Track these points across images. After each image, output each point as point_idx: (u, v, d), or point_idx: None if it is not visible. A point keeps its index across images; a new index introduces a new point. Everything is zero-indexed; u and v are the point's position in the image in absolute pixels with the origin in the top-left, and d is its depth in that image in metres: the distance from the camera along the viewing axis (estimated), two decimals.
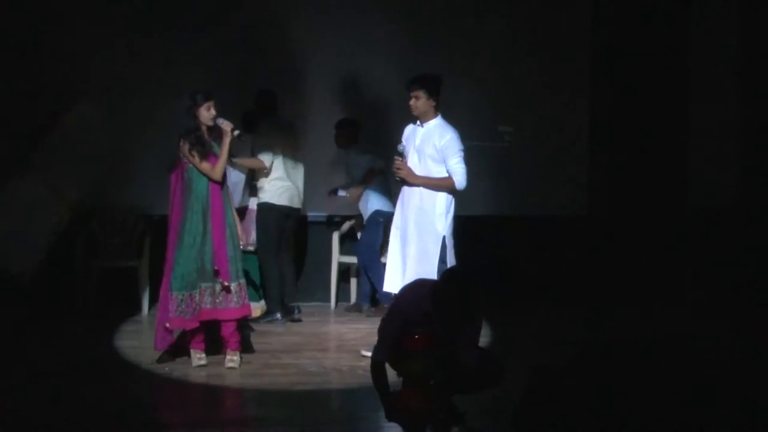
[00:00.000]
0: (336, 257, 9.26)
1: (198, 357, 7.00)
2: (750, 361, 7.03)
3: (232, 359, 7.00)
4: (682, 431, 4.69)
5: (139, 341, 7.79)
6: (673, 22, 9.56)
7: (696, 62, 9.52)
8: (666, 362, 4.92)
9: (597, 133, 9.85)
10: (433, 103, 7.04)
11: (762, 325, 8.23)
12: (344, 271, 9.48)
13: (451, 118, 7.29)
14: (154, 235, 8.79)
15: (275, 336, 7.83)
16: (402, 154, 7.06)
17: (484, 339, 6.00)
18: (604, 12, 9.82)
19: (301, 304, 8.84)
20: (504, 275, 9.07)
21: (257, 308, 8.57)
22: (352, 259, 9.24)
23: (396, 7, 9.49)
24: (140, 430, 5.79)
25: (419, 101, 7.01)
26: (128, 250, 9.03)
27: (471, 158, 9.29)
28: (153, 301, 8.74)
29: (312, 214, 9.36)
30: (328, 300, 9.34)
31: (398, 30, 9.45)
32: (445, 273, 5.79)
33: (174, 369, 6.95)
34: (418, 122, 7.11)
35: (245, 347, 7.29)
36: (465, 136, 8.23)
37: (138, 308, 8.81)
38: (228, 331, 6.99)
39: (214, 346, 7.10)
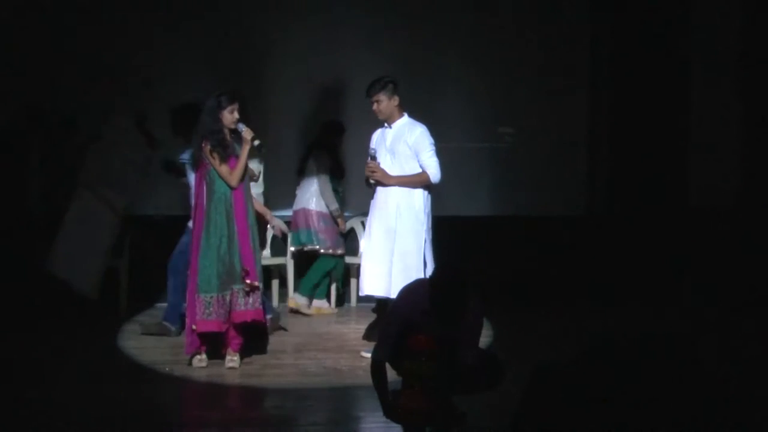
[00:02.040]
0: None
1: (199, 358, 7.00)
2: (750, 360, 7.04)
3: (233, 359, 7.00)
4: (682, 431, 4.70)
5: (139, 341, 7.79)
6: (674, 22, 9.56)
7: (696, 62, 9.53)
8: (666, 362, 4.91)
9: (597, 133, 9.85)
10: (396, 103, 7.17)
11: (762, 325, 8.23)
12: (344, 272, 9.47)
13: (451, 119, 7.32)
14: (134, 235, 8.78)
15: (276, 336, 7.83)
16: (374, 157, 7.18)
17: (484, 339, 6.00)
18: (604, 12, 9.82)
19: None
20: (504, 275, 9.07)
21: (323, 307, 8.96)
22: (355, 260, 9.22)
23: (395, 7, 9.49)
24: (141, 430, 5.79)
25: (381, 104, 7.16)
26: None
27: (471, 159, 9.40)
28: (133, 301, 8.78)
29: None
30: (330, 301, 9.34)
31: (397, 31, 9.45)
32: (436, 269, 5.85)
33: (174, 370, 6.96)
34: (386, 124, 7.24)
35: (261, 348, 7.32)
36: (465, 138, 8.30)
37: (118, 309, 8.75)
38: (233, 332, 7.00)
39: (215, 347, 7.10)
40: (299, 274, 9.23)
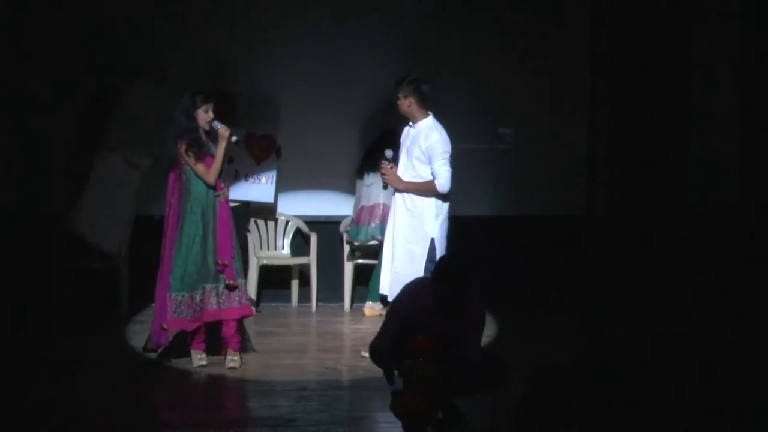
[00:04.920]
0: (348, 258, 9.24)
1: (198, 357, 7.01)
2: (750, 361, 7.04)
3: (233, 359, 7.01)
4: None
5: (140, 341, 7.79)
6: (674, 22, 9.56)
7: (696, 62, 9.52)
8: (666, 362, 4.92)
9: (596, 133, 9.85)
10: (409, 104, 7.13)
11: (762, 326, 8.23)
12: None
13: (451, 120, 7.31)
14: (135, 235, 8.80)
15: (276, 336, 7.85)
16: (388, 159, 7.16)
17: (485, 339, 6.02)
18: (604, 12, 9.81)
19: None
20: (503, 275, 9.08)
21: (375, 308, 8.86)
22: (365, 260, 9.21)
23: (394, 9, 9.49)
24: (141, 430, 5.80)
25: (398, 101, 7.16)
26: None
27: (472, 160, 9.39)
28: (133, 301, 8.79)
29: (317, 215, 9.42)
30: (332, 300, 9.35)
31: (396, 32, 9.45)
32: (439, 259, 5.91)
33: (175, 370, 6.96)
34: (410, 123, 7.21)
35: (243, 347, 7.28)
36: (465, 139, 8.25)
37: (119, 309, 8.76)
38: (229, 331, 7.00)
39: (215, 347, 7.10)
40: (322, 274, 9.26)
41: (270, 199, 8.96)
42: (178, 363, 7.07)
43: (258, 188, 8.89)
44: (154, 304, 7.14)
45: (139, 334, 8.06)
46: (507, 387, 5.50)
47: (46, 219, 8.72)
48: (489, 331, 7.69)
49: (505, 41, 9.64)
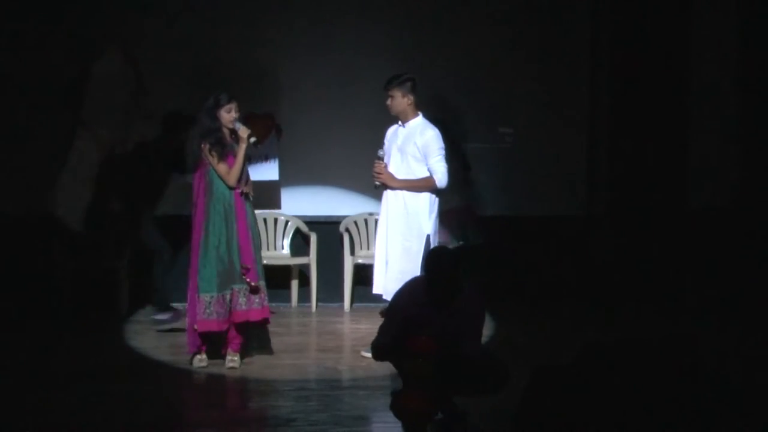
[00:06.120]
0: (349, 257, 9.24)
1: (199, 358, 7.01)
2: (750, 361, 7.04)
3: (233, 359, 7.01)
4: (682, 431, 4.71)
5: (140, 342, 7.80)
6: (673, 21, 9.56)
7: (696, 61, 9.53)
8: (666, 362, 4.92)
9: (596, 133, 9.84)
10: (408, 102, 7.19)
11: (762, 325, 8.24)
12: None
13: (451, 120, 7.32)
14: (135, 235, 8.78)
15: (276, 336, 7.84)
16: (381, 158, 7.21)
17: (484, 339, 6.01)
18: (604, 11, 9.81)
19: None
20: (503, 275, 9.08)
21: None
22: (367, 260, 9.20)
23: (396, 8, 9.50)
24: (140, 430, 5.80)
25: (394, 100, 7.19)
26: (108, 250, 8.91)
27: (472, 160, 9.39)
28: (133, 301, 8.78)
29: (317, 215, 9.43)
30: (332, 300, 9.36)
31: (396, 33, 9.45)
32: (429, 250, 5.98)
33: (175, 370, 6.96)
34: (400, 122, 7.26)
35: (265, 348, 7.31)
36: (466, 139, 8.24)
37: (119, 309, 8.75)
38: (232, 332, 7.00)
39: (215, 347, 7.10)
40: (321, 274, 9.26)
41: (275, 177, 9.09)
42: (178, 363, 7.07)
43: (262, 168, 8.97)
44: (187, 307, 7.10)
45: (138, 334, 8.07)
46: (507, 387, 5.49)
47: (46, 219, 8.71)
48: (489, 331, 7.69)
49: (505, 41, 9.64)
